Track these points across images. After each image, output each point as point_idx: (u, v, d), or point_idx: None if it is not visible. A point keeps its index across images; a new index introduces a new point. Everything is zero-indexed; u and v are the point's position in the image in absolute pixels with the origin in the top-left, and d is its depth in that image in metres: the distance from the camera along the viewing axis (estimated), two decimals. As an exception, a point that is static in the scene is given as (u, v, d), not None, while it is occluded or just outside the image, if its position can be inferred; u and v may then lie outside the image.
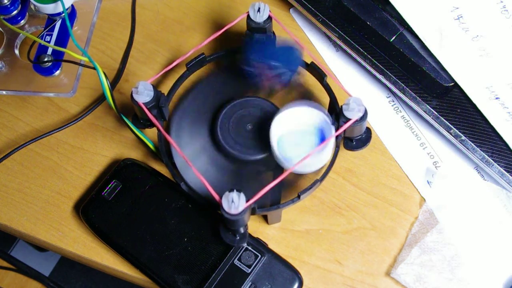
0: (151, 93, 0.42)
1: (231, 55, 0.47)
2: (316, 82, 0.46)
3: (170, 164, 0.43)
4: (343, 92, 0.50)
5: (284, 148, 0.41)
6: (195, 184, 0.42)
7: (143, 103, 0.41)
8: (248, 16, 0.44)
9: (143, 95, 0.41)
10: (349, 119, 0.40)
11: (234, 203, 0.37)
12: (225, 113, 0.44)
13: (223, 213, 0.37)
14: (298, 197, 0.41)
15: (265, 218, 0.46)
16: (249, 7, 0.44)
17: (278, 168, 0.44)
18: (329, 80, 0.44)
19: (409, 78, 0.47)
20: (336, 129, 0.41)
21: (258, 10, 0.44)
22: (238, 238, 0.40)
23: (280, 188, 0.43)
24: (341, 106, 0.41)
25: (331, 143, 0.40)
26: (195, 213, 0.44)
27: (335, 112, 0.42)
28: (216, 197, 0.38)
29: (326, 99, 0.45)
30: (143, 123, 0.45)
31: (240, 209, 0.37)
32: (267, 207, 0.41)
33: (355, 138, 0.43)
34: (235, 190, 0.37)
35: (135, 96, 0.42)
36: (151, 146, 0.45)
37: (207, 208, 0.44)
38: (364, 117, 0.41)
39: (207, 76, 0.48)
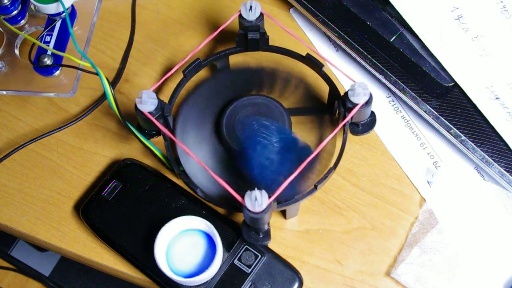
0: (155, 101, 0.41)
1: (226, 56, 0.47)
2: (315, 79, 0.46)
3: (182, 172, 0.43)
4: (339, 84, 0.50)
5: (173, 262, 0.42)
6: (206, 188, 0.42)
7: (150, 114, 0.41)
8: (240, 15, 0.44)
9: (147, 104, 0.41)
10: (356, 104, 0.41)
11: (258, 201, 0.37)
12: (230, 114, 0.44)
13: (247, 213, 0.37)
14: (315, 187, 0.41)
15: (282, 214, 0.46)
16: (241, 5, 0.44)
17: None
18: (328, 71, 0.44)
19: (409, 78, 0.47)
20: (344, 117, 0.42)
21: (250, 9, 0.44)
22: (261, 236, 0.40)
23: (293, 182, 0.43)
24: (347, 92, 0.41)
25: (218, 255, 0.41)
26: (195, 213, 0.44)
27: (338, 99, 0.42)
28: (239, 198, 0.37)
29: (325, 89, 0.45)
30: (148, 133, 0.44)
31: (264, 206, 0.37)
32: (282, 202, 0.41)
33: (361, 123, 0.43)
34: (256, 188, 0.37)
35: (140, 106, 0.41)
36: (160, 155, 0.45)
37: (230, 210, 0.44)
38: (370, 100, 0.41)
39: (206, 79, 0.48)
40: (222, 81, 0.47)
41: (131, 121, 0.45)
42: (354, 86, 0.41)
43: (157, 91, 0.50)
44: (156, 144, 0.45)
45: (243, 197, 0.37)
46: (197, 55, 0.45)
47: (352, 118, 0.42)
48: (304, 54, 0.45)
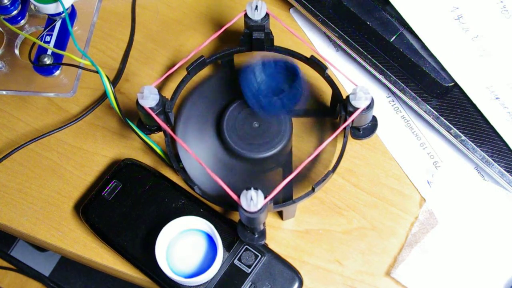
0: (157, 97, 0.41)
1: (230, 55, 0.47)
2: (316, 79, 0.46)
3: (181, 169, 0.43)
4: (340, 85, 0.50)
5: (173, 262, 0.42)
6: (205, 186, 0.42)
7: (151, 109, 0.41)
8: (246, 14, 0.44)
9: (149, 99, 0.41)
10: (357, 108, 0.41)
11: (253, 200, 0.37)
12: (230, 113, 0.44)
13: (242, 212, 0.37)
14: (313, 189, 0.41)
15: (279, 214, 0.46)
16: (246, 5, 0.44)
17: (287, 164, 0.44)
18: (330, 73, 0.45)
19: (409, 78, 0.47)
20: (344, 120, 0.42)
21: (256, 8, 0.44)
22: (257, 236, 0.40)
23: (291, 183, 0.43)
24: (348, 96, 0.41)
25: (219, 256, 0.41)
26: (195, 213, 0.44)
27: (340, 103, 0.42)
28: (235, 197, 0.38)
29: (328, 92, 0.45)
30: (149, 128, 0.45)
31: (259, 206, 0.37)
32: (280, 203, 0.41)
33: (362, 127, 0.43)
34: (252, 188, 0.37)
35: (141, 101, 0.41)
36: (159, 152, 0.45)
37: (227, 209, 0.44)
38: (371, 105, 0.41)
39: (208, 78, 0.48)
40: (225, 80, 0.47)
41: (131, 119, 0.45)
42: (356, 90, 0.41)
43: (159, 88, 0.50)
44: (157, 142, 0.45)
45: (239, 196, 0.37)
46: (200, 53, 0.45)
47: (353, 122, 0.42)
48: (307, 55, 0.45)
